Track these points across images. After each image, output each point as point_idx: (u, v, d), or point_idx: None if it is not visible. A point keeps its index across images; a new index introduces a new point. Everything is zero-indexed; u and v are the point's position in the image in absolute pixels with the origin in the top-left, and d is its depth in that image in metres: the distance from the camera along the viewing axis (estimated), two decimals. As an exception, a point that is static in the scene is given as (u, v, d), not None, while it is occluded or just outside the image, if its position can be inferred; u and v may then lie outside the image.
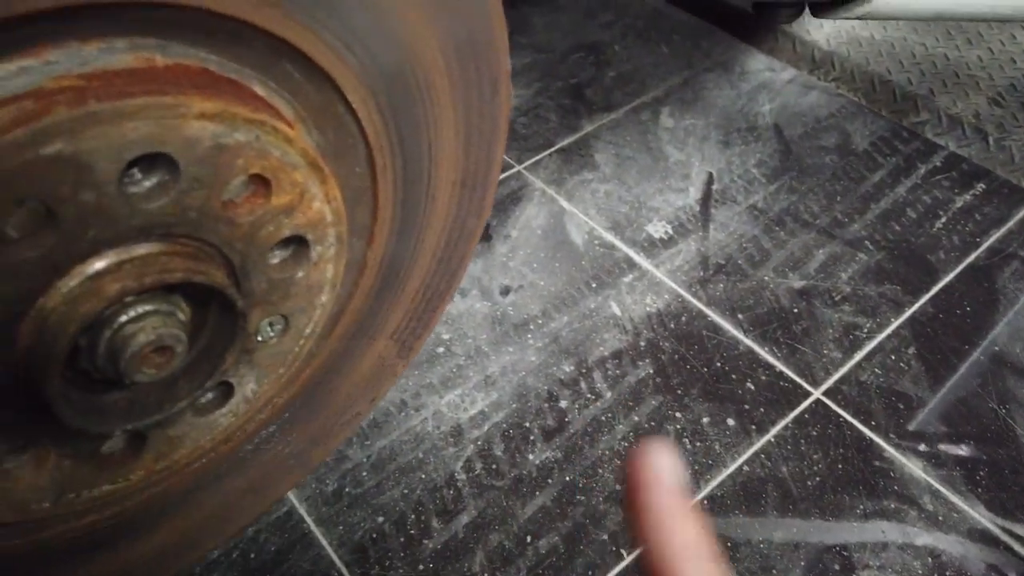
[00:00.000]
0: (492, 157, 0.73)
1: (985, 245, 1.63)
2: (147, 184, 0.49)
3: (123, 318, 0.50)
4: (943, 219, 1.69)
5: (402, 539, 1.26)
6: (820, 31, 2.12)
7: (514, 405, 1.42)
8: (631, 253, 1.65)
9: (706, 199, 1.75)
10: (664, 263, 1.63)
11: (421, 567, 1.23)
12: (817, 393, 1.43)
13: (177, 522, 0.71)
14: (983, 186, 1.75)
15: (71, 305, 0.47)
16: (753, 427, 1.39)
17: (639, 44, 2.12)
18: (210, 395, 0.62)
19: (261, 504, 0.85)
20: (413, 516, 1.28)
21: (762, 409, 1.41)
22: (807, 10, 1.21)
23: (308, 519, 1.28)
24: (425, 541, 1.26)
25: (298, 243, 0.59)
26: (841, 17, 1.18)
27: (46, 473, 0.54)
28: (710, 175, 1.80)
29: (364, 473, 1.33)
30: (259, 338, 0.62)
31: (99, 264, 0.48)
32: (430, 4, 0.58)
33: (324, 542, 1.26)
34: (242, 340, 0.58)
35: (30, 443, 0.53)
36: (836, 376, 1.46)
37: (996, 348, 1.48)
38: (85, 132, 0.43)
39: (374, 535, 1.27)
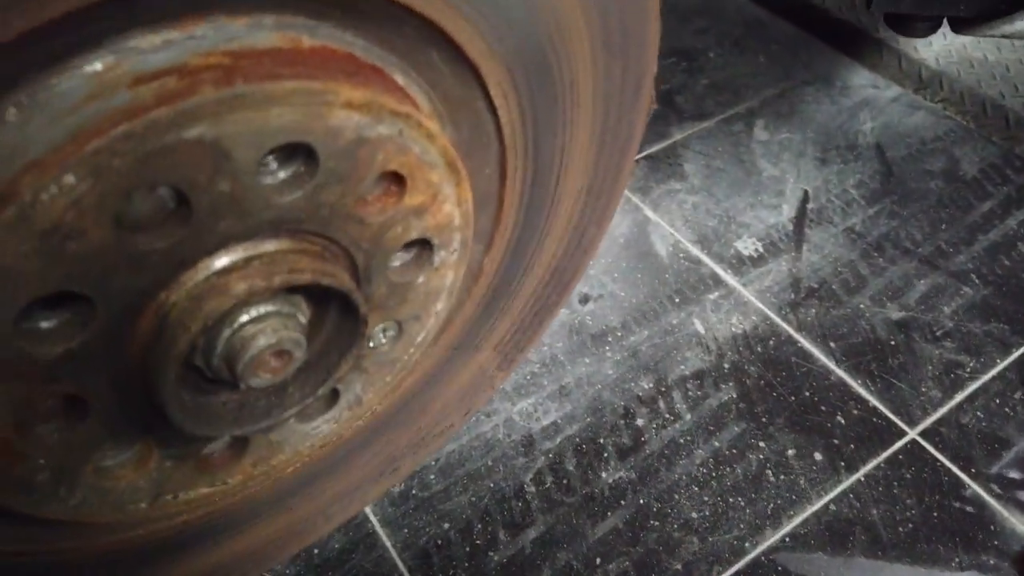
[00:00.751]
0: (623, 164, 0.67)
1: (1106, 288, 1.51)
2: (282, 175, 0.45)
3: (244, 318, 0.46)
4: (1059, 257, 1.57)
5: (467, 548, 1.22)
6: (929, 49, 2.01)
7: (588, 419, 1.36)
8: (718, 269, 1.58)
9: (800, 218, 1.66)
10: (753, 282, 1.55)
11: (486, 580, 1.19)
12: (913, 433, 1.34)
13: (266, 525, 0.68)
14: (1105, 224, 1.62)
15: (195, 302, 0.43)
16: (842, 464, 1.30)
17: (735, 52, 2.04)
18: (316, 401, 0.58)
19: (349, 510, 0.81)
20: (479, 525, 1.24)
21: (852, 445, 1.33)
22: (942, 25, 1.12)
23: (373, 519, 1.25)
24: (491, 553, 1.21)
25: (421, 246, 0.55)
26: (983, 34, 1.09)
27: (146, 473, 0.51)
28: (805, 193, 1.71)
29: (432, 476, 1.29)
30: (371, 344, 0.58)
31: (227, 259, 0.44)
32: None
33: (388, 544, 1.22)
34: (358, 348, 0.53)
35: (135, 442, 0.49)
36: (934, 416, 1.36)
37: (1116, 401, 1.36)
38: (229, 116, 0.39)
39: (439, 541, 1.23)
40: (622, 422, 1.36)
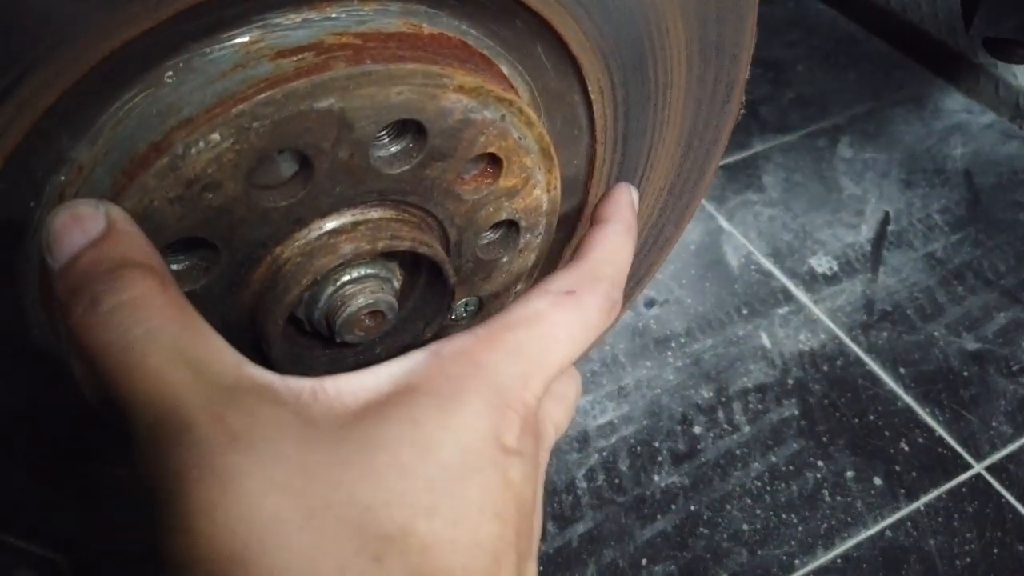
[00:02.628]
0: (706, 167, 0.69)
1: None
2: (392, 149, 0.48)
3: (346, 277, 0.50)
4: None
5: (516, 535, 1.25)
6: (1030, 76, 1.94)
7: (645, 422, 1.38)
8: (789, 284, 1.56)
9: (879, 239, 1.64)
10: (824, 300, 1.54)
11: (532, 567, 1.21)
12: (979, 467, 1.31)
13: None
14: None
15: (307, 258, 0.47)
16: (902, 491, 1.28)
17: (824, 67, 2.01)
18: (397, 365, 0.62)
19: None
20: (530, 514, 1.27)
21: (914, 474, 1.30)
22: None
23: (428, 496, 1.29)
24: (539, 543, 1.24)
25: (508, 227, 0.58)
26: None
27: (242, 415, 0.56)
28: (886, 214, 1.68)
29: (487, 461, 1.33)
30: (452, 316, 0.61)
31: (338, 222, 0.48)
32: (692, 5, 0.55)
33: (440, 522, 1.26)
34: (443, 318, 0.57)
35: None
36: (1003, 452, 1.33)
37: None
38: (357, 91, 0.43)
39: (489, 525, 1.26)
40: (679, 428, 1.37)
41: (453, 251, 0.56)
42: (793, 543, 1.23)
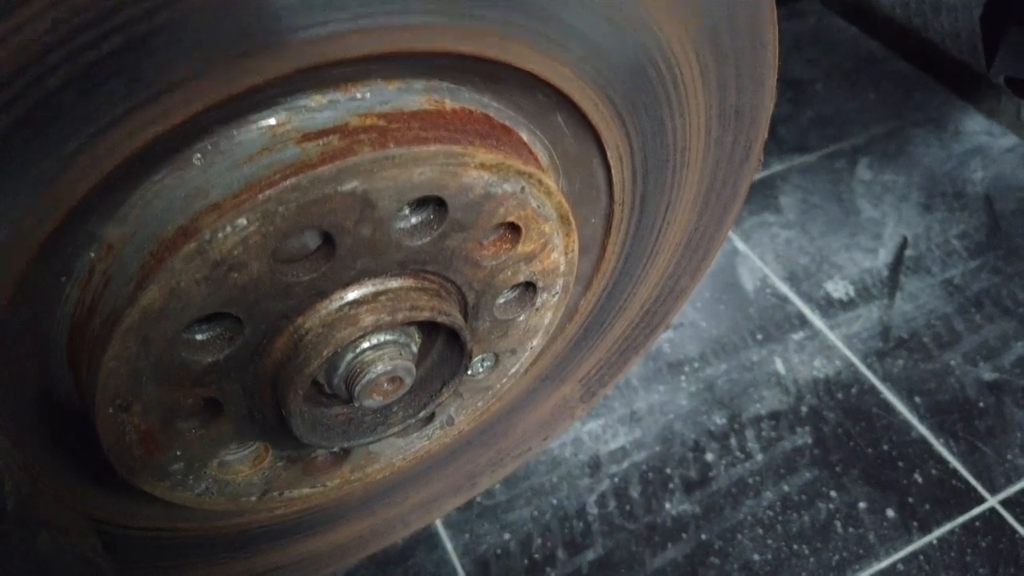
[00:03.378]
0: (724, 221, 0.70)
1: None
2: (413, 221, 0.49)
3: (366, 344, 0.51)
4: None
5: (525, 561, 1.25)
6: (1054, 98, 1.92)
7: (657, 448, 1.38)
8: (805, 309, 1.56)
9: (897, 264, 1.63)
10: (840, 326, 1.53)
11: (542, 594, 1.22)
12: (993, 501, 1.30)
13: (351, 525, 0.73)
14: None
15: (328, 329, 0.48)
16: (915, 524, 1.28)
17: (844, 86, 2.00)
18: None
19: (426, 518, 0.86)
20: (539, 540, 1.28)
21: (928, 506, 1.30)
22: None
23: (438, 522, 1.30)
24: (548, 569, 1.25)
25: (526, 288, 0.59)
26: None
27: (260, 471, 0.57)
28: (904, 239, 1.67)
29: (497, 487, 1.33)
30: (469, 372, 0.62)
31: (358, 293, 0.49)
32: (712, 73, 0.55)
33: (449, 546, 1.27)
34: (460, 377, 0.58)
35: (255, 443, 0.55)
36: (1018, 486, 1.32)
37: None
38: (380, 173, 0.43)
39: (498, 551, 1.27)
40: (691, 455, 1.37)
41: (471, 313, 0.57)
42: (804, 574, 1.23)
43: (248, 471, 0.56)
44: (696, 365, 1.49)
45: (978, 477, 1.32)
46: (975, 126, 1.90)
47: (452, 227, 0.49)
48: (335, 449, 0.59)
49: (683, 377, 1.47)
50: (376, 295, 0.49)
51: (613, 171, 0.56)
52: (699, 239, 0.69)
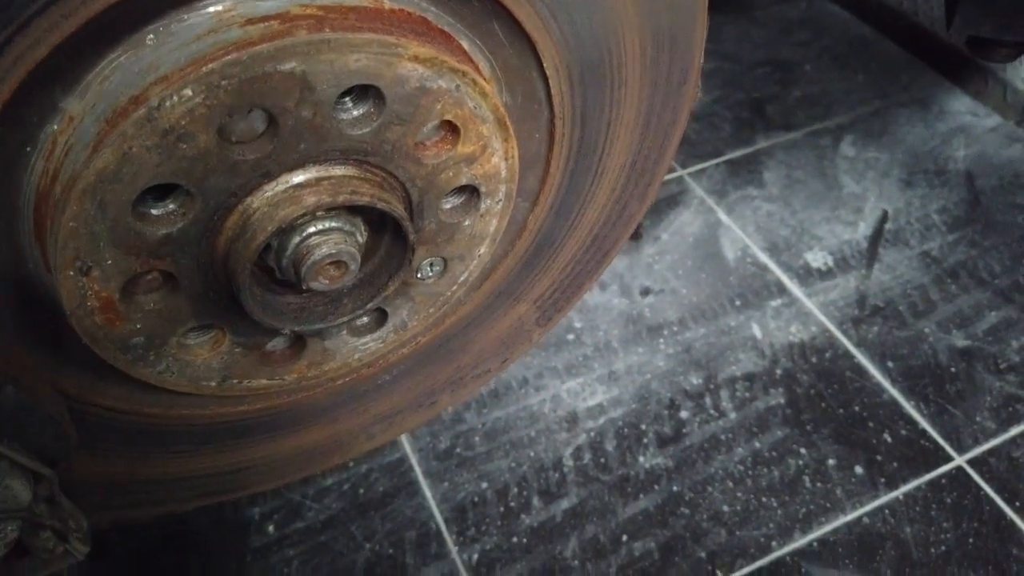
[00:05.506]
0: (666, 146, 0.73)
1: None
2: (355, 112, 0.53)
3: (311, 229, 0.55)
4: None
5: (501, 508, 1.29)
6: (1040, 80, 1.94)
7: (634, 405, 1.41)
8: (784, 278, 1.59)
9: (876, 237, 1.66)
10: (818, 294, 1.56)
11: (515, 539, 1.26)
12: (960, 460, 1.33)
13: (316, 431, 0.78)
14: None
15: (273, 208, 0.53)
16: (883, 480, 1.31)
17: (833, 68, 2.03)
18: (366, 319, 0.67)
19: (388, 433, 0.90)
20: (516, 489, 1.31)
21: (896, 464, 1.33)
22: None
23: (418, 469, 1.34)
24: (523, 516, 1.29)
25: (470, 193, 0.63)
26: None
27: (219, 355, 0.61)
28: (885, 213, 1.70)
29: (477, 438, 1.37)
30: (419, 275, 0.66)
31: (302, 176, 0.53)
32: None
33: (428, 494, 1.31)
34: (405, 272, 0.62)
35: (212, 325, 0.60)
36: (985, 447, 1.34)
37: None
38: (317, 56, 0.48)
39: (475, 499, 1.31)
40: (666, 412, 1.41)
41: (416, 211, 0.61)
42: (772, 525, 1.26)
43: (207, 354, 0.60)
44: (675, 329, 1.52)
45: (946, 437, 1.35)
46: (960, 106, 1.93)
47: (391, 119, 0.54)
48: (288, 341, 0.64)
49: (662, 340, 1.51)
50: (319, 180, 0.53)
51: (551, 83, 0.60)
52: (643, 163, 0.73)
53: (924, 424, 1.37)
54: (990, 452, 1.33)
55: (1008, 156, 1.80)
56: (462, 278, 0.67)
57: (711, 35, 2.34)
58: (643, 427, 1.39)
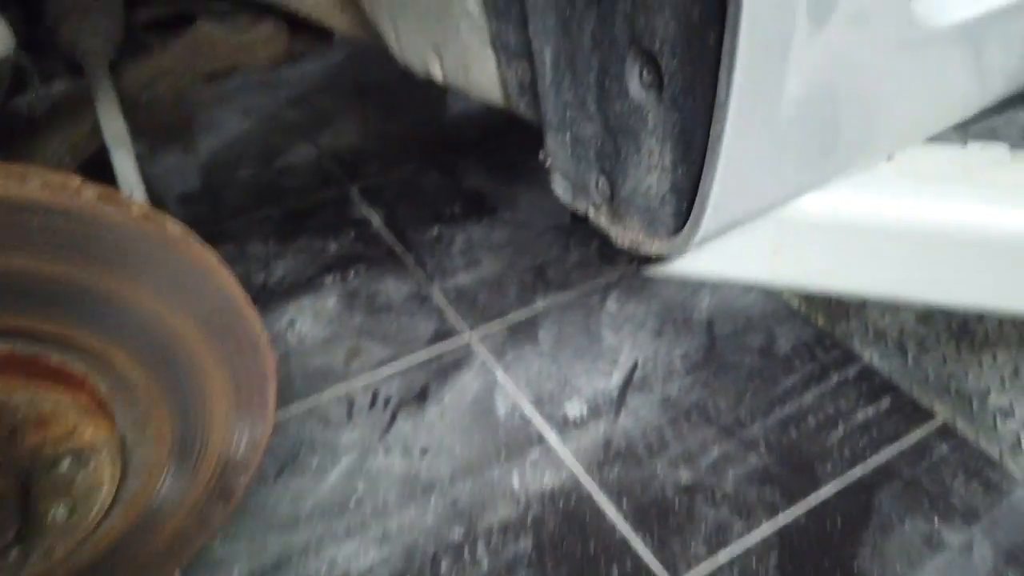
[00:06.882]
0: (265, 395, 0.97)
1: (872, 462, 1.70)
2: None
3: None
4: (840, 430, 1.77)
5: (271, 673, 1.44)
6: (775, 232, 2.28)
7: (400, 564, 1.59)
8: (544, 429, 1.82)
9: (626, 384, 1.91)
10: (571, 442, 1.79)
11: None
12: (676, 588, 1.53)
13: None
14: (888, 402, 1.82)
15: None
16: (606, 614, 1.50)
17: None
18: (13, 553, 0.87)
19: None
20: (286, 653, 1.46)
21: (620, 597, 1.52)
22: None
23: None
24: None
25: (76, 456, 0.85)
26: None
27: None
28: (636, 361, 1.97)
29: (256, 606, 1.53)
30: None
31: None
32: (168, 291, 0.84)
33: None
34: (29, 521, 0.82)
35: None
36: (695, 570, 1.55)
37: (856, 570, 1.53)
38: None
39: (249, 665, 1.45)
40: (429, 567, 1.59)
41: (29, 480, 0.82)
42: (507, 667, 1.43)
43: None
44: (446, 485, 1.73)
45: (665, 565, 1.56)
46: (711, 258, 2.24)
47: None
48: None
49: (433, 497, 1.71)
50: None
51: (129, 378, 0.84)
52: (248, 404, 0.97)
53: (647, 558, 1.58)
54: (698, 574, 1.54)
55: (743, 303, 2.10)
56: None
57: (510, 204, 2.65)
58: (406, 583, 1.56)
